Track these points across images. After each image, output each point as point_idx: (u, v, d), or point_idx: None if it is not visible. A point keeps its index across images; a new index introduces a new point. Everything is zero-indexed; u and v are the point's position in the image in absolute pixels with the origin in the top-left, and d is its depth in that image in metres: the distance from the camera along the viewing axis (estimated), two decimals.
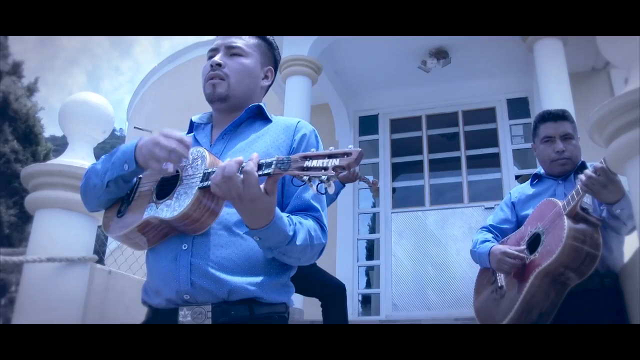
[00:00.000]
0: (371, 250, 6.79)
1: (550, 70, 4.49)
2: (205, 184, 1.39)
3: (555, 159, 2.62)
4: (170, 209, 1.43)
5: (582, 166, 2.63)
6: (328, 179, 1.20)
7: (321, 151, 1.24)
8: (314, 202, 1.56)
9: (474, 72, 6.22)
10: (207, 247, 1.46)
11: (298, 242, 1.43)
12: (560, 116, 2.69)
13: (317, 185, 1.21)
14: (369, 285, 6.90)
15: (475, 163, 6.49)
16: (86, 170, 1.70)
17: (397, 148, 6.78)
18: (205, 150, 1.49)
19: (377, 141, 6.80)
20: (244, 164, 1.28)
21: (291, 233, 1.42)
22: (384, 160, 6.69)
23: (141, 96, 9.74)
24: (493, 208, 6.00)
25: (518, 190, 2.85)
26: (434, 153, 6.60)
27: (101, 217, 2.70)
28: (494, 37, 5.51)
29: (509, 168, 6.16)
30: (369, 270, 6.88)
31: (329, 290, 3.80)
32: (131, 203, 1.58)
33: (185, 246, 1.46)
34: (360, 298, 6.51)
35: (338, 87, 6.42)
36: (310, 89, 5.34)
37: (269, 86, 1.84)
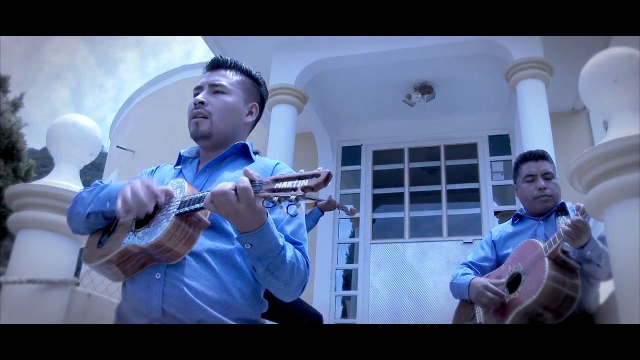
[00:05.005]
0: (348, 280, 6.79)
1: (531, 109, 4.58)
2: (182, 210, 1.43)
3: (538, 196, 2.69)
4: (147, 236, 1.45)
5: (562, 207, 2.70)
6: (297, 199, 1.24)
7: (291, 173, 1.29)
8: (296, 235, 1.59)
9: (457, 108, 6.32)
10: (179, 277, 1.48)
11: (287, 258, 1.46)
12: (540, 156, 2.77)
13: (287, 207, 1.26)
14: (344, 314, 6.88)
15: (455, 197, 6.56)
16: (76, 194, 1.74)
17: (379, 179, 6.83)
18: (184, 181, 1.53)
19: (360, 172, 6.84)
20: (239, 182, 1.32)
21: (282, 243, 1.45)
22: (365, 190, 6.74)
23: (125, 115, 9.73)
24: (472, 243, 6.06)
25: (499, 229, 2.90)
26: (415, 186, 6.66)
27: (83, 239, 2.69)
28: (478, 74, 5.64)
29: (488, 204, 6.23)
30: (345, 300, 6.87)
31: (306, 320, 3.79)
32: (112, 234, 1.60)
33: (158, 275, 1.49)
34: None
35: (323, 117, 6.48)
36: (295, 117, 5.38)
37: (255, 121, 1.88)
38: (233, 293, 1.52)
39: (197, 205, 1.41)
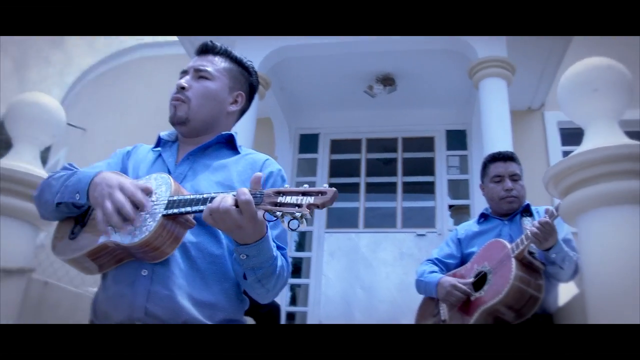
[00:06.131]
0: (299, 268, 6.78)
1: (493, 108, 4.64)
2: (170, 211, 1.36)
3: (504, 197, 2.74)
4: (130, 235, 1.37)
5: (527, 208, 2.75)
6: (302, 217, 1.20)
7: (295, 188, 1.24)
8: (280, 240, 1.56)
9: (417, 101, 6.35)
10: (168, 276, 1.42)
11: (278, 267, 1.44)
12: (509, 157, 2.82)
13: (289, 222, 1.21)
14: (293, 302, 6.88)
15: (411, 189, 6.60)
16: (43, 180, 1.63)
17: (336, 169, 6.82)
18: (171, 178, 1.45)
19: (317, 160, 6.82)
20: (240, 195, 1.26)
21: (275, 254, 1.42)
22: (322, 179, 6.71)
23: (77, 92, 9.40)
24: (425, 235, 6.14)
25: (464, 228, 2.94)
26: (371, 177, 6.68)
27: (45, 225, 2.58)
28: (440, 68, 5.68)
29: (443, 197, 6.31)
30: (294, 287, 6.86)
31: (263, 310, 3.77)
32: (86, 225, 1.51)
33: (145, 272, 1.43)
34: (285, 315, 6.47)
35: (282, 104, 6.41)
36: (257, 103, 5.30)
37: (242, 111, 1.82)
38: (219, 294, 1.48)
39: (188, 209, 1.35)
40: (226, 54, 1.77)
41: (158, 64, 7.17)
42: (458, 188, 6.49)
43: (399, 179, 6.53)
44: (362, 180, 6.64)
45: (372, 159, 6.79)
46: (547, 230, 2.31)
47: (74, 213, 1.55)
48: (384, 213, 6.67)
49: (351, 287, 6.18)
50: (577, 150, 1.87)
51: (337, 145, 6.89)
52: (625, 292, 1.72)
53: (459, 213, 6.44)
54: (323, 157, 6.82)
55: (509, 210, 2.76)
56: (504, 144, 4.41)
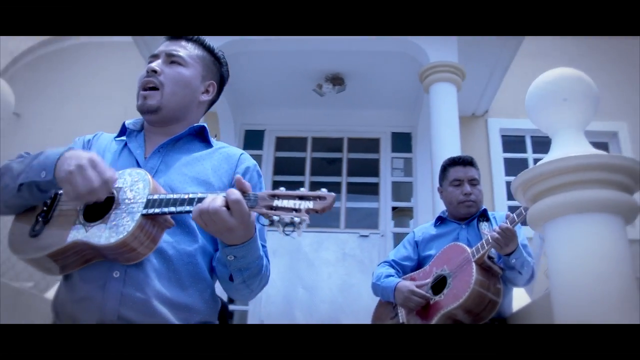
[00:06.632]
0: None
1: (442, 112, 4.71)
2: (151, 211, 1.27)
3: (463, 201, 2.76)
4: (105, 235, 1.27)
5: (484, 213, 2.79)
6: (300, 222, 1.16)
7: (291, 191, 1.20)
8: (261, 237, 1.50)
9: (365, 102, 6.36)
10: (142, 278, 1.33)
11: (263, 267, 1.39)
12: (468, 162, 2.85)
13: (284, 227, 1.16)
14: (232, 301, 6.77)
15: (355, 190, 6.63)
16: (1, 165, 1.47)
17: (280, 166, 6.76)
18: (148, 175, 1.36)
19: (261, 157, 6.74)
20: (230, 195, 1.19)
21: (262, 253, 1.36)
22: (266, 176, 6.64)
23: (10, 75, 8.92)
24: (368, 236, 6.17)
25: (421, 230, 2.95)
26: (316, 176, 6.65)
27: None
28: (390, 70, 5.71)
29: (386, 199, 6.35)
30: None
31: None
32: (49, 221, 1.38)
33: (117, 274, 1.32)
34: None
35: (229, 98, 6.29)
36: None
37: (212, 102, 1.75)
38: (195, 296, 1.41)
39: (172, 209, 1.27)
40: (199, 42, 1.69)
41: (101, 50, 6.90)
42: (402, 190, 6.56)
43: (344, 179, 6.54)
44: (307, 179, 6.61)
45: (317, 157, 6.77)
46: (508, 236, 2.34)
47: (36, 200, 1.40)
48: (327, 213, 6.63)
49: (293, 286, 6.13)
50: (546, 158, 1.90)
51: (283, 143, 6.83)
52: (591, 297, 1.77)
53: (401, 215, 6.51)
54: (268, 154, 6.75)
55: (467, 215, 2.79)
56: (452, 149, 4.48)
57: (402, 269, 2.83)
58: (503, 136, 6.36)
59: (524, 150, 6.33)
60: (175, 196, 1.29)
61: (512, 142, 6.36)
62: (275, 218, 1.16)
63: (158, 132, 1.60)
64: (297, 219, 1.15)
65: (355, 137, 6.70)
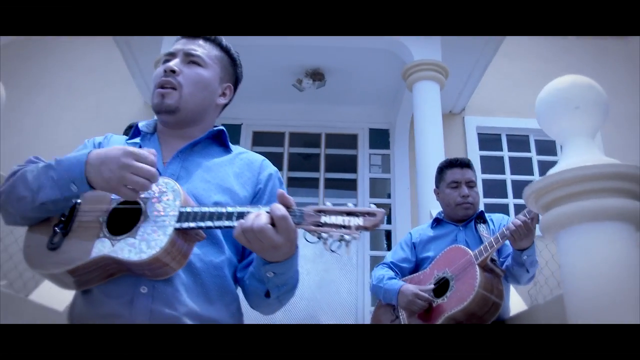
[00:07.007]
0: None
1: (425, 110, 4.73)
2: (185, 225, 1.21)
3: (461, 203, 2.77)
4: (135, 249, 1.20)
5: (481, 215, 2.81)
6: (350, 240, 1.11)
7: (338, 207, 1.15)
8: None
9: (343, 98, 6.35)
10: (172, 293, 1.27)
11: (297, 280, 1.36)
12: (466, 164, 2.86)
13: (330, 244, 1.11)
14: None
15: (333, 186, 6.62)
16: (11, 172, 1.36)
17: None
18: (177, 184, 1.30)
19: None
20: (275, 211, 1.15)
21: (298, 268, 1.33)
22: None
23: None
24: None
25: (419, 232, 2.95)
26: (293, 171, 6.62)
27: None
28: (371, 67, 5.70)
29: (364, 195, 6.36)
30: None
31: None
32: (68, 233, 1.29)
33: (144, 289, 1.26)
34: None
35: None
36: None
37: (226, 105, 1.71)
38: (222, 310, 1.36)
39: (209, 224, 1.21)
40: (217, 42, 1.63)
41: (73, 41, 6.71)
42: (379, 186, 6.58)
43: (321, 175, 6.52)
44: (284, 174, 6.56)
45: (294, 153, 6.74)
46: (529, 230, 2.34)
47: (61, 211, 1.31)
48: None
49: None
50: (558, 166, 1.91)
51: (260, 137, 6.77)
52: (604, 303, 1.79)
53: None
54: (245, 148, 6.67)
55: (464, 217, 2.80)
56: (435, 146, 4.52)
57: (400, 270, 2.83)
58: (479, 134, 6.43)
59: (500, 149, 6.42)
60: (211, 210, 1.23)
61: (489, 140, 6.44)
62: (325, 236, 1.11)
63: (173, 135, 1.54)
64: (347, 237, 1.10)
65: (333, 132, 6.69)
